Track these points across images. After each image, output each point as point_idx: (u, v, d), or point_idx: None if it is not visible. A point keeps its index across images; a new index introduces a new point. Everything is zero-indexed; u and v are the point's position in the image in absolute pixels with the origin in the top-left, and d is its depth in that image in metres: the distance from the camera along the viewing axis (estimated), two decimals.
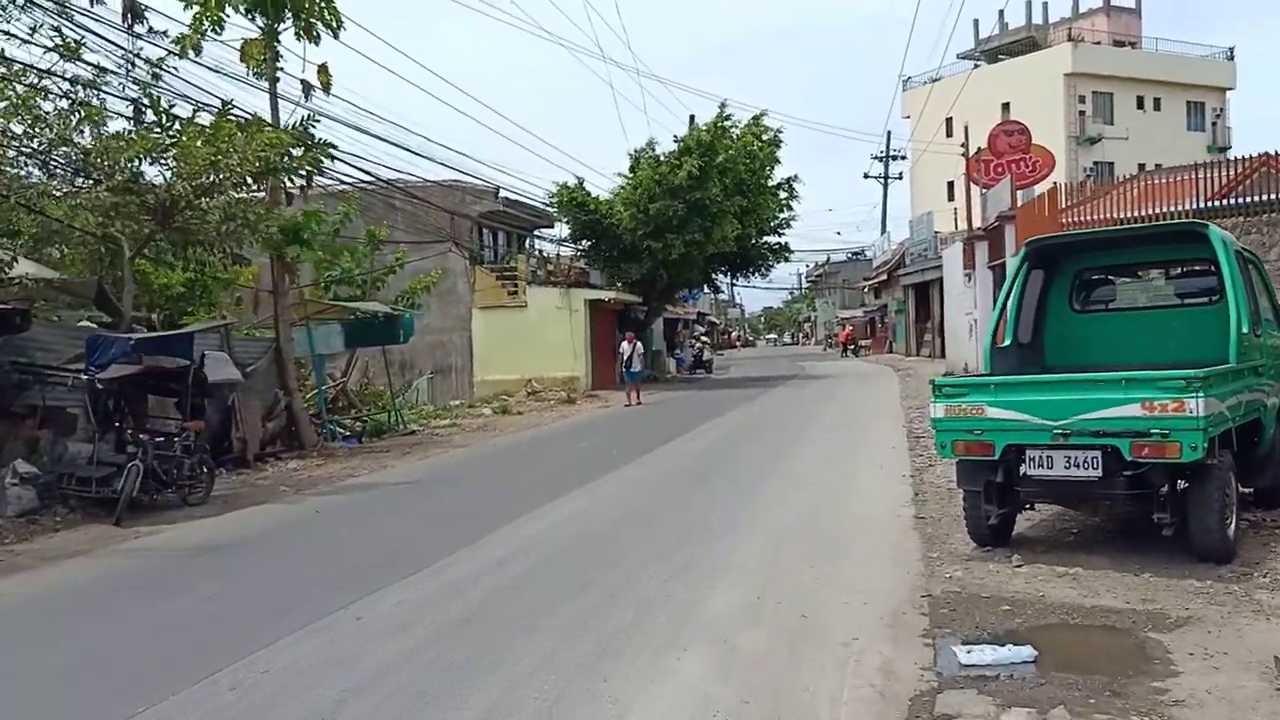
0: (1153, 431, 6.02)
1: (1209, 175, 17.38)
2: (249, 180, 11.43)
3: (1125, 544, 6.90)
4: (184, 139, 11.07)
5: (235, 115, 12.40)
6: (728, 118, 30.86)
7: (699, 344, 46.59)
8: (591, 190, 31.91)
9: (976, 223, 27.72)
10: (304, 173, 15.65)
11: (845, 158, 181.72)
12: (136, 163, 10.81)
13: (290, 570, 7.47)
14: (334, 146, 15.96)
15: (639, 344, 25.81)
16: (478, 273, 30.77)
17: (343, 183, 22.28)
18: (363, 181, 22.62)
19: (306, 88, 15.22)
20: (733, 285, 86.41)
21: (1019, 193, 24.11)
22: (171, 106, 11.73)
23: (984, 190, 28.11)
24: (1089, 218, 18.61)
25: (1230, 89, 56.04)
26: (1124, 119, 51.62)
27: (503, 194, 30.84)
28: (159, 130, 11.34)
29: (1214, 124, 53.42)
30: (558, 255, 35.45)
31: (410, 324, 19.36)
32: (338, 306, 17.83)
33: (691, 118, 33.07)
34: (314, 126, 13.94)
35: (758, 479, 10.75)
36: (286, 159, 12.55)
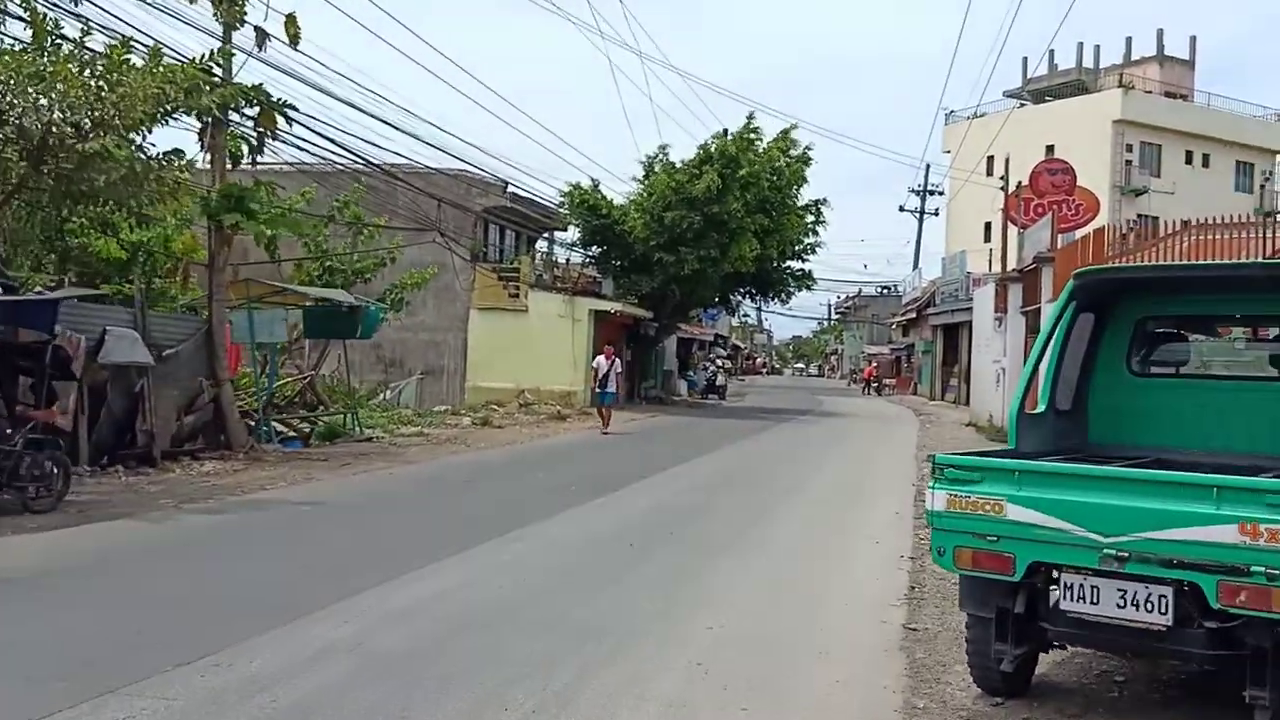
0: (1254, 569, 4.05)
1: (1268, 236, 14.86)
2: (144, 123, 9.55)
3: (1197, 711, 4.90)
4: (61, 65, 9.22)
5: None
6: (755, 129, 28.95)
7: (713, 367, 44.53)
8: (607, 194, 30.13)
9: (1012, 264, 25.64)
10: (256, 133, 14.03)
11: (880, 190, 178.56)
12: (3, 88, 8.96)
13: (53, 633, 5.55)
14: (293, 108, 14.21)
15: (618, 361, 21.90)
16: (478, 271, 29.00)
17: (330, 162, 20.63)
18: (353, 161, 20.90)
19: (261, 36, 13.44)
20: (759, 310, 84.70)
21: (1059, 235, 22.04)
22: (59, 27, 9.90)
23: (1021, 230, 26.05)
24: None
25: None
26: (1171, 173, 49.29)
27: (511, 189, 29.07)
28: (40, 53, 9.52)
29: (1263, 187, 50.94)
30: (567, 261, 33.67)
31: (374, 318, 17.51)
32: (289, 291, 15.98)
33: (725, 132, 31.11)
34: (221, 63, 12.03)
35: (718, 548, 8.73)
36: (211, 104, 10.68)
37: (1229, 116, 52.42)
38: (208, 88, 10.84)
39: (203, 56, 11.67)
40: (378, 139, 39.40)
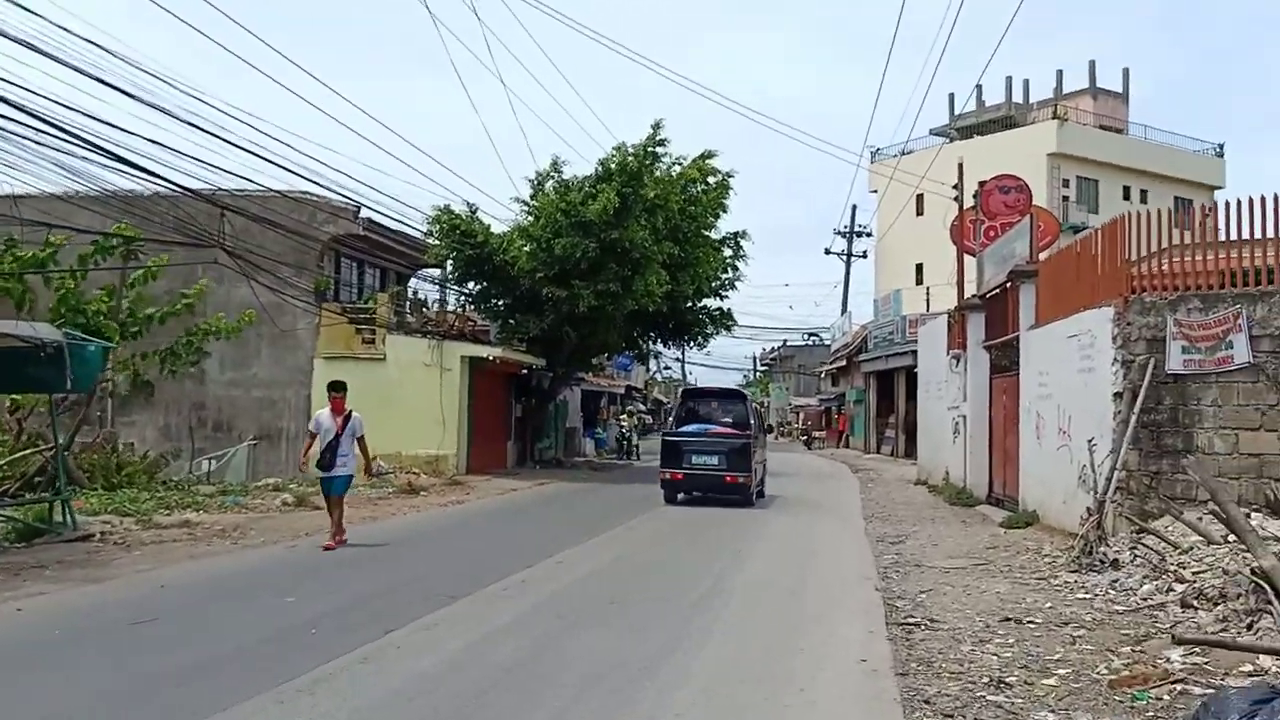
0: None
1: None
2: None
3: None
4: None
5: None
6: (661, 141, 24.47)
7: (623, 424, 39.78)
8: (485, 221, 25.30)
9: (970, 291, 21.51)
10: None
11: (806, 240, 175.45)
12: None
13: None
14: None
15: (355, 418, 11.81)
16: (324, 313, 23.82)
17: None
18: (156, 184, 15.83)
19: None
20: (681, 362, 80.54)
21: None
22: None
23: (978, 252, 22.04)
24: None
25: (1219, 187, 52.15)
26: (1109, 208, 46.68)
27: (367, 215, 24.08)
28: None
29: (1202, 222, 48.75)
30: (441, 301, 28.66)
31: (95, 360, 12.14)
32: None
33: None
34: None
35: None
36: None
37: (1166, 150, 50.87)
38: None
39: None
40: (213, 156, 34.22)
